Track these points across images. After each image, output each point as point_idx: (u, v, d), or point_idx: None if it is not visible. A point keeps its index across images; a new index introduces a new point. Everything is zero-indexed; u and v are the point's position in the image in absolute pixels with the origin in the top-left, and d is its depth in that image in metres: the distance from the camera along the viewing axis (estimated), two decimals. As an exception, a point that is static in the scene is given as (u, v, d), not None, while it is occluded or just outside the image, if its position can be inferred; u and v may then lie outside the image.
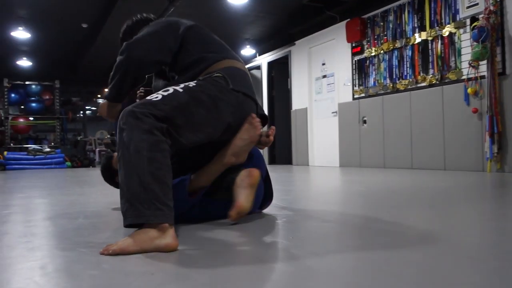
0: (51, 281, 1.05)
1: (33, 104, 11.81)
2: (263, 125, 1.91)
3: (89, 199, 2.98)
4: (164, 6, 7.01)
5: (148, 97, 1.53)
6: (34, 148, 10.09)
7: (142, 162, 1.37)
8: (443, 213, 2.07)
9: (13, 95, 11.45)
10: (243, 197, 1.65)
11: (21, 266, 1.19)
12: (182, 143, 1.55)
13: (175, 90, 1.56)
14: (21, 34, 8.36)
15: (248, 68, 10.58)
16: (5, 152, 9.89)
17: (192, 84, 1.63)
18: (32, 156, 9.67)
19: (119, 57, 1.71)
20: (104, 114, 1.87)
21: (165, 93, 1.53)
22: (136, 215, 1.33)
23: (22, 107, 12.08)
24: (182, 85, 1.60)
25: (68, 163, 10.12)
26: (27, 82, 11.43)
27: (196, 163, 1.82)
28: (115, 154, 2.08)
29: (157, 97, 1.51)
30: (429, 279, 0.99)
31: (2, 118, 10.83)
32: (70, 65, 11.76)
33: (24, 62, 11.06)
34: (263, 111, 1.94)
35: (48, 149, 10.15)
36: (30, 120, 11.87)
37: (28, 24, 8.19)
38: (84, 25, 8.55)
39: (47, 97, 11.93)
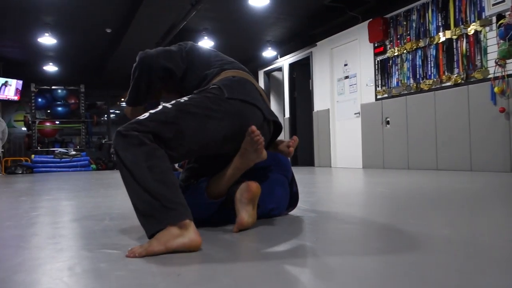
0: (80, 281, 1.07)
1: (59, 108, 12.08)
2: (277, 132, 1.88)
3: (115, 201, 3.02)
4: (186, 10, 7.07)
5: (138, 117, 1.53)
6: (60, 151, 10.31)
7: (143, 173, 1.38)
8: (471, 215, 2.02)
9: (40, 99, 11.73)
10: (244, 213, 1.64)
11: (50, 266, 1.21)
12: (173, 156, 1.52)
13: (163, 107, 1.56)
14: (47, 40, 8.56)
15: (269, 70, 10.66)
16: (33, 155, 10.13)
17: (184, 99, 1.61)
18: (59, 159, 9.89)
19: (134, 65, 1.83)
20: (129, 117, 1.93)
21: (153, 111, 1.54)
22: (154, 224, 1.35)
23: (49, 111, 12.37)
24: (172, 101, 1.60)
25: (93, 166, 10.31)
26: (53, 87, 11.70)
27: (211, 171, 1.82)
28: None
29: (144, 116, 1.52)
30: (456, 283, 0.97)
31: (30, 122, 11.10)
32: (95, 69, 11.98)
33: (51, 68, 11.31)
34: (274, 116, 1.86)
35: (73, 152, 10.36)
36: (56, 123, 12.14)
37: (54, 30, 8.38)
38: (108, 30, 8.70)
39: (73, 101, 12.18)
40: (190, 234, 1.32)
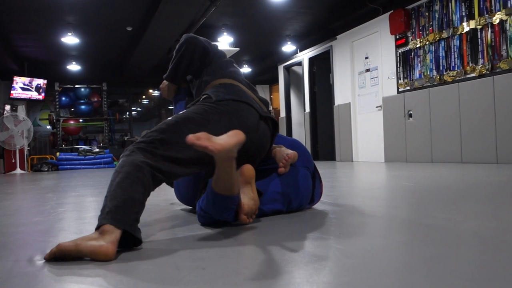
0: (107, 274, 1.09)
1: (83, 107, 12.29)
2: (274, 129, 1.85)
3: (138, 197, 3.06)
4: (206, 6, 7.09)
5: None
6: (84, 148, 10.49)
7: (113, 176, 1.45)
8: (497, 208, 1.98)
9: (63, 98, 11.95)
10: (245, 198, 1.63)
11: (78, 260, 1.23)
12: (180, 158, 1.53)
13: (166, 119, 1.68)
14: (70, 39, 8.71)
15: (289, 64, 10.62)
16: (58, 153, 10.34)
17: (181, 112, 1.72)
18: (83, 157, 10.06)
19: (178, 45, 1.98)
20: (163, 92, 2.14)
21: (156, 126, 1.63)
22: (99, 219, 1.35)
23: (72, 109, 12.59)
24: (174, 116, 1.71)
25: (116, 163, 10.45)
26: (76, 86, 11.90)
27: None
28: None
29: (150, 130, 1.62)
30: (484, 276, 0.96)
31: (54, 120, 11.33)
32: (116, 67, 12.14)
33: (74, 67, 11.51)
34: (268, 113, 1.85)
35: (97, 150, 10.53)
36: (80, 122, 12.35)
37: (76, 30, 8.52)
38: (129, 28, 8.79)
39: (95, 99, 12.37)
40: (104, 240, 1.23)
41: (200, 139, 1.29)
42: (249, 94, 1.82)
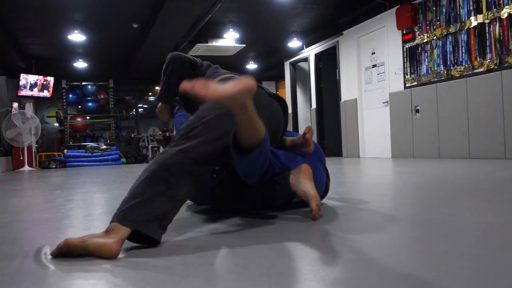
0: (116, 271, 1.10)
1: (90, 104, 12.33)
2: (284, 107, 1.83)
3: (145, 193, 3.08)
4: (211, 2, 7.08)
5: None
6: (91, 145, 10.54)
7: (140, 175, 1.49)
8: (505, 204, 1.97)
9: (70, 95, 12.00)
10: (311, 189, 1.63)
11: (87, 257, 1.24)
12: (209, 148, 1.51)
13: (188, 120, 1.66)
14: (77, 37, 8.73)
15: (295, 60, 10.60)
16: (65, 150, 10.40)
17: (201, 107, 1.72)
18: (90, 154, 10.11)
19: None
20: (160, 116, 2.19)
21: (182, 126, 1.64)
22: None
23: (79, 106, 12.65)
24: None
25: (123, 160, 10.51)
26: (83, 83, 11.95)
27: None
28: None
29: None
30: (491, 272, 0.95)
31: (62, 117, 11.39)
32: (123, 64, 12.16)
33: (80, 64, 11.55)
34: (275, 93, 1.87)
35: (104, 147, 10.58)
36: (87, 119, 12.40)
37: (83, 27, 8.54)
38: (135, 25, 8.81)
39: (102, 96, 12.41)
40: (110, 238, 1.24)
41: (195, 86, 1.27)
42: None
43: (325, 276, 0.98)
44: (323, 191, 2.02)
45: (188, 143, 1.48)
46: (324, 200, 2.15)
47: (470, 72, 5.70)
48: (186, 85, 1.28)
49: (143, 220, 1.31)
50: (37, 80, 10.92)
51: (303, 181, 1.66)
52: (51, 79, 11.15)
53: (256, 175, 1.66)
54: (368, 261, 1.09)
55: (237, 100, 1.35)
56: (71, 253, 1.23)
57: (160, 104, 2.16)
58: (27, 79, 10.69)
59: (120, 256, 1.23)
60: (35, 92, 10.94)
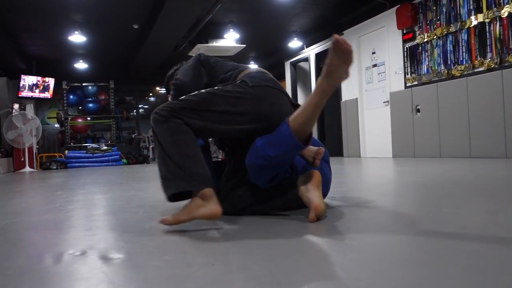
0: (117, 271, 1.10)
1: (90, 105, 12.34)
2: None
3: (147, 194, 3.08)
4: (212, 2, 7.08)
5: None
6: (92, 146, 10.54)
7: (169, 146, 1.56)
8: (506, 203, 1.97)
9: (71, 96, 12.01)
10: (316, 199, 1.62)
11: (88, 257, 1.25)
12: (205, 128, 1.65)
13: (198, 91, 1.74)
14: (77, 38, 8.74)
15: (295, 60, 10.58)
16: (66, 151, 10.41)
17: (217, 86, 1.79)
18: (91, 154, 10.11)
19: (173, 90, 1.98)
20: None
21: (188, 95, 1.72)
22: (172, 187, 1.54)
23: (80, 107, 12.65)
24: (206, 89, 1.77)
25: (124, 160, 10.51)
26: (84, 84, 11.95)
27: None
28: None
29: (183, 97, 1.71)
30: (493, 270, 0.95)
31: (62, 118, 11.39)
32: (123, 65, 12.17)
33: (81, 65, 11.55)
34: (295, 101, 1.94)
35: (105, 147, 10.58)
36: (87, 120, 12.41)
37: (83, 28, 8.55)
38: (135, 26, 8.81)
39: (103, 97, 12.41)
40: (211, 205, 1.49)
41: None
42: (278, 82, 1.88)
43: (326, 276, 0.98)
44: (327, 189, 2.03)
45: (188, 115, 1.62)
46: (326, 200, 2.15)
47: (470, 72, 5.70)
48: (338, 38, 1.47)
49: (210, 179, 1.55)
50: (37, 81, 10.92)
51: (311, 189, 1.66)
52: (50, 80, 11.15)
53: (273, 174, 1.72)
54: (369, 260, 1.09)
55: (340, 76, 1.56)
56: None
57: None
58: (27, 80, 10.69)
59: (121, 256, 1.23)
60: (36, 93, 10.95)
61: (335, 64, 1.53)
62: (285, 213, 1.83)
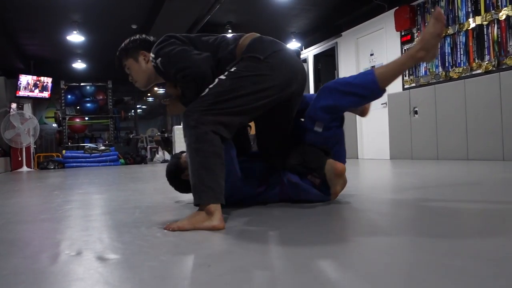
0: (113, 272, 1.10)
1: (88, 105, 12.33)
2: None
3: (144, 194, 3.08)
4: (210, 3, 7.09)
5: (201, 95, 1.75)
6: (90, 146, 10.53)
7: (192, 154, 1.65)
8: (505, 205, 1.97)
9: (69, 96, 12.00)
10: (337, 187, 1.97)
11: (85, 258, 1.25)
12: (243, 111, 1.74)
13: (219, 79, 1.75)
14: (75, 37, 8.74)
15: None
16: (64, 151, 10.39)
17: (232, 69, 1.77)
18: (89, 154, 10.10)
19: (183, 72, 1.79)
20: (173, 112, 2.05)
21: (211, 85, 1.74)
22: (195, 197, 1.65)
23: (78, 107, 12.64)
24: (225, 73, 1.77)
25: (122, 161, 10.50)
26: (82, 84, 11.94)
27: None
28: (183, 154, 2.28)
29: (205, 92, 1.74)
30: (491, 272, 0.95)
31: (60, 118, 11.38)
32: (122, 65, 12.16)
33: (79, 65, 11.55)
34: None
35: (103, 147, 10.56)
36: (85, 119, 12.40)
37: (82, 28, 8.55)
38: (134, 26, 8.81)
39: (101, 97, 12.41)
40: (213, 221, 1.56)
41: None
42: (275, 40, 1.93)
43: (325, 278, 0.98)
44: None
45: (218, 110, 1.69)
46: (324, 202, 2.15)
47: (468, 74, 5.72)
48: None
49: (221, 194, 1.62)
50: (35, 81, 10.91)
51: (334, 178, 1.96)
52: (48, 80, 11.13)
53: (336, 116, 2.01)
54: (367, 262, 1.09)
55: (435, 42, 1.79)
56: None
57: (173, 100, 2.02)
58: (25, 79, 10.68)
59: (117, 256, 1.23)
60: (34, 93, 10.93)
61: (431, 32, 1.77)
62: (284, 213, 1.83)
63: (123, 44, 2.15)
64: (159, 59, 1.88)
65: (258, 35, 1.93)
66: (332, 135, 2.04)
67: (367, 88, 1.94)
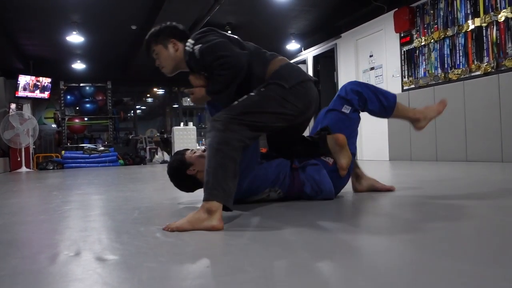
0: (112, 272, 1.10)
1: (87, 105, 12.32)
2: (316, 85, 2.18)
3: (143, 195, 3.08)
4: (210, 4, 7.10)
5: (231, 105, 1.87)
6: (89, 147, 10.52)
7: (212, 153, 1.71)
8: (504, 207, 1.97)
9: (68, 96, 11.99)
10: (341, 158, 2.17)
11: (83, 258, 1.25)
12: (263, 127, 1.88)
13: (248, 95, 1.89)
14: (75, 38, 8.74)
15: (293, 63, 10.61)
16: (63, 151, 10.38)
17: (262, 89, 1.92)
18: (88, 155, 10.09)
19: (223, 60, 1.83)
20: (197, 101, 2.04)
21: (240, 99, 1.87)
22: (205, 193, 1.66)
23: (77, 108, 12.63)
24: (254, 91, 1.92)
25: (121, 161, 10.49)
26: (81, 84, 11.93)
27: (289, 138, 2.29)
28: (187, 151, 2.33)
29: (234, 103, 1.86)
30: (489, 273, 0.96)
31: (59, 119, 11.37)
32: (121, 66, 12.16)
33: (78, 65, 11.54)
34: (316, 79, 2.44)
35: (102, 148, 10.55)
36: (85, 120, 12.39)
37: (81, 29, 8.55)
38: (133, 27, 8.81)
39: (100, 97, 12.40)
40: (213, 221, 1.58)
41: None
42: (301, 69, 2.12)
43: (324, 279, 0.98)
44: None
45: (247, 121, 1.81)
46: (322, 203, 2.15)
47: (467, 75, 5.73)
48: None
49: (229, 196, 1.66)
50: (35, 81, 10.90)
51: (338, 151, 2.18)
52: (48, 80, 11.13)
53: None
54: (367, 262, 1.09)
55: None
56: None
57: (199, 89, 2.00)
58: (25, 80, 10.67)
59: (116, 257, 1.23)
60: (33, 93, 10.93)
61: (434, 116, 2.63)
62: (282, 213, 1.83)
63: (153, 30, 2.17)
64: (199, 45, 1.90)
65: (287, 61, 2.09)
66: (356, 117, 2.36)
67: (387, 99, 2.34)
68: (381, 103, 2.33)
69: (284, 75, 1.97)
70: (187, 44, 1.96)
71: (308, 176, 2.19)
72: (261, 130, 1.90)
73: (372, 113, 2.40)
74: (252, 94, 1.89)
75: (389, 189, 2.57)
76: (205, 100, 2.01)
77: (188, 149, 2.35)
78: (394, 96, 2.38)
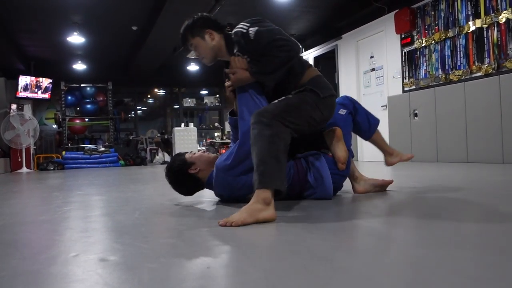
0: (113, 273, 1.10)
1: (88, 106, 12.32)
2: None
3: (143, 196, 3.08)
4: (211, 5, 7.10)
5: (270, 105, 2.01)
6: (90, 147, 10.53)
7: (263, 142, 1.79)
8: (505, 208, 1.97)
9: (69, 97, 11.99)
10: (339, 151, 2.26)
11: (84, 259, 1.24)
12: (295, 129, 1.97)
13: (286, 97, 2.03)
14: (76, 39, 8.74)
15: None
16: (64, 152, 10.39)
17: (299, 92, 2.08)
18: (88, 156, 10.09)
19: (283, 42, 2.00)
20: (238, 82, 2.12)
21: (279, 99, 2.01)
22: (256, 182, 1.74)
23: (78, 108, 12.64)
24: (292, 93, 2.08)
25: (122, 162, 10.49)
26: (82, 85, 11.94)
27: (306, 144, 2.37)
28: (187, 154, 2.36)
29: (274, 102, 1.99)
30: (489, 276, 0.95)
31: (60, 119, 11.38)
32: (122, 66, 12.17)
33: (79, 66, 11.55)
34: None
35: (102, 149, 10.56)
36: (85, 121, 12.39)
37: (82, 29, 8.55)
38: (134, 28, 8.82)
39: (101, 98, 12.41)
40: (270, 210, 1.67)
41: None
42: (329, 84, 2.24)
43: (323, 281, 0.98)
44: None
45: (287, 118, 1.93)
46: (321, 204, 2.15)
47: (468, 77, 5.72)
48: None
49: (282, 182, 1.76)
50: (35, 82, 10.91)
51: (335, 143, 2.28)
52: (49, 81, 11.13)
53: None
54: (367, 262, 1.09)
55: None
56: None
57: (248, 75, 2.08)
58: (25, 80, 10.68)
59: (116, 257, 1.23)
60: (34, 94, 10.93)
61: (404, 159, 2.82)
62: (283, 214, 1.83)
63: (187, 23, 2.21)
64: (255, 28, 2.03)
65: (318, 72, 2.22)
66: (350, 120, 2.54)
67: (373, 118, 2.65)
68: (368, 119, 2.59)
69: (320, 83, 2.13)
70: (240, 25, 2.09)
71: (310, 163, 2.27)
72: (294, 131, 1.98)
73: (358, 125, 2.58)
74: (290, 96, 2.03)
75: (389, 182, 2.70)
76: (246, 82, 2.09)
77: (187, 152, 2.42)
78: (378, 119, 2.68)
